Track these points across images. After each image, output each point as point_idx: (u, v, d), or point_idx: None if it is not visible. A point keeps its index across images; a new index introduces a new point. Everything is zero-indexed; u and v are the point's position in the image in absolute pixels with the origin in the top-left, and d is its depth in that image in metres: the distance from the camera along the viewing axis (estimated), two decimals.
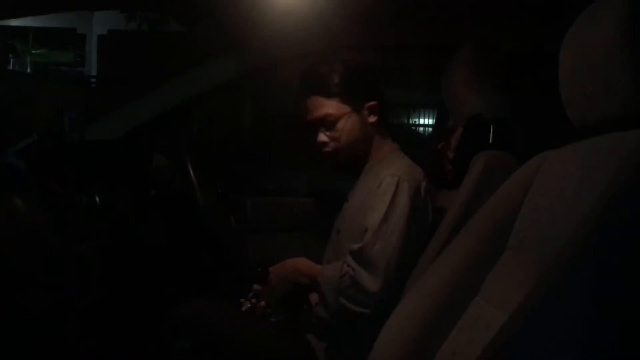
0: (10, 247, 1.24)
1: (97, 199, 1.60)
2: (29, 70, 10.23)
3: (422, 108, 6.64)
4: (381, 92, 1.63)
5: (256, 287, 1.67)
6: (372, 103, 1.59)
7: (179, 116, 2.02)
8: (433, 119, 5.85)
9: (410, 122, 6.88)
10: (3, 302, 1.21)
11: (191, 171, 1.60)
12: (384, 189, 1.49)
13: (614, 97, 0.80)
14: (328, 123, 1.58)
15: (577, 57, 0.87)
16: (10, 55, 10.22)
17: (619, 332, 0.61)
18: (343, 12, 1.80)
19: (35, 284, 1.26)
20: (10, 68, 10.04)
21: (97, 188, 1.62)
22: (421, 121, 7.04)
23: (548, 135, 1.18)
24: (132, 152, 1.93)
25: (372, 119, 1.59)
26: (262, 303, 1.62)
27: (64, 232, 1.42)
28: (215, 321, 1.58)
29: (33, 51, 10.53)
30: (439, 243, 1.34)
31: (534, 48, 1.85)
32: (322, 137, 1.60)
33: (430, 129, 5.98)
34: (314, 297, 1.58)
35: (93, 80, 9.34)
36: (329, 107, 1.57)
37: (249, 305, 1.62)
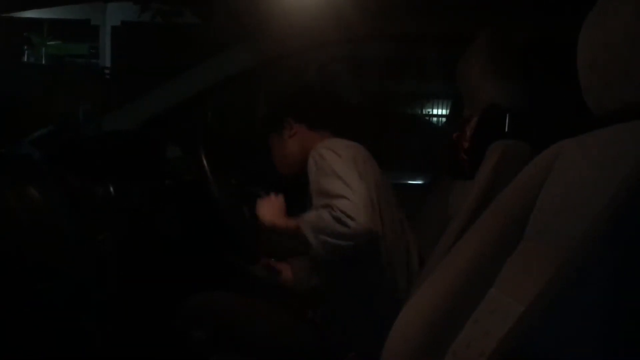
0: (26, 237, 1.25)
1: (112, 189, 1.61)
2: (43, 62, 10.30)
3: (436, 98, 6.62)
4: (306, 103, 1.72)
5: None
6: (286, 120, 1.70)
7: (194, 107, 2.02)
8: (447, 109, 5.83)
9: (424, 112, 6.85)
10: (20, 293, 1.22)
11: (205, 162, 1.60)
12: (309, 168, 1.57)
13: (634, 84, 0.79)
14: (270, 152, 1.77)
15: (596, 44, 0.85)
16: (25, 47, 10.30)
17: (638, 325, 0.60)
18: (358, 2, 1.79)
19: (51, 275, 1.27)
20: (25, 60, 10.13)
21: (112, 179, 1.62)
22: (435, 112, 7.02)
23: (565, 124, 1.16)
24: (146, 143, 1.93)
25: (288, 133, 1.70)
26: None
27: (80, 222, 1.42)
28: (229, 311, 1.59)
29: (48, 43, 10.59)
30: (455, 233, 1.34)
31: (550, 36, 1.83)
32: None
33: (444, 120, 5.95)
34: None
35: (107, 71, 9.38)
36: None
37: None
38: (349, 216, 1.43)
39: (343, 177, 1.48)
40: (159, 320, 1.65)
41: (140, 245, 1.67)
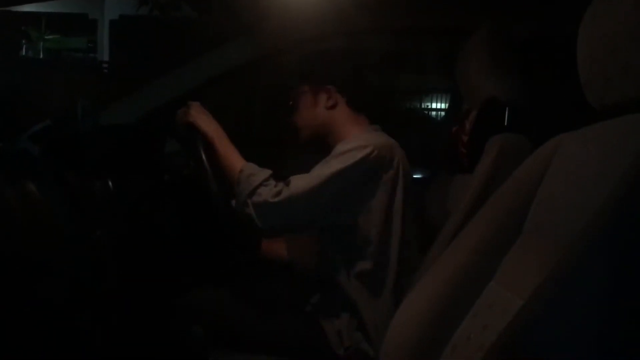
0: (23, 233, 1.25)
1: (110, 184, 1.60)
2: (41, 57, 10.27)
3: (435, 92, 6.60)
4: (352, 79, 1.65)
5: None
6: (327, 87, 1.61)
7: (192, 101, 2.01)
8: (446, 103, 5.82)
9: (423, 106, 6.84)
10: (16, 290, 1.22)
11: (204, 157, 1.60)
12: (338, 146, 1.54)
13: (634, 78, 0.79)
14: (292, 104, 1.66)
15: (596, 38, 0.85)
16: (23, 42, 10.27)
17: (638, 320, 0.60)
18: None
19: (49, 271, 1.27)
20: (23, 54, 10.10)
21: (111, 173, 1.62)
22: (434, 105, 7.00)
23: (564, 117, 1.16)
24: (145, 137, 1.92)
25: (329, 103, 1.61)
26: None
27: (78, 218, 1.42)
28: (227, 308, 1.59)
29: (46, 37, 10.56)
30: (454, 227, 1.34)
31: (550, 30, 1.83)
32: (291, 122, 1.69)
33: (443, 114, 5.94)
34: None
35: (105, 65, 9.35)
36: (294, 91, 1.66)
37: None
38: (281, 204, 1.46)
39: (326, 184, 1.47)
40: (158, 317, 1.65)
41: (139, 241, 1.66)
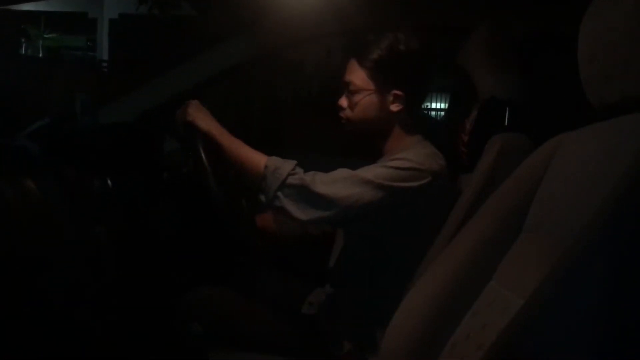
0: (22, 230, 1.24)
1: (109, 182, 1.60)
2: (41, 55, 10.28)
3: (434, 92, 6.61)
4: (421, 86, 1.58)
5: None
6: (398, 92, 1.52)
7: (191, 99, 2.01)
8: (446, 102, 5.82)
9: (423, 106, 6.85)
10: (15, 287, 1.22)
11: (203, 155, 1.59)
12: (392, 151, 1.51)
13: (635, 77, 0.79)
14: (350, 90, 1.55)
15: (596, 37, 0.85)
16: (23, 40, 10.27)
17: (638, 319, 0.60)
18: None
19: (48, 268, 1.27)
20: (23, 52, 10.10)
21: (110, 171, 1.62)
22: (434, 105, 7.01)
23: (565, 117, 1.16)
24: (144, 136, 1.92)
25: (395, 107, 1.53)
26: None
27: (76, 215, 1.42)
28: (226, 306, 1.59)
29: (45, 36, 10.57)
30: (454, 226, 1.33)
31: (550, 28, 1.83)
32: (342, 101, 1.57)
33: (443, 113, 5.95)
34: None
35: (104, 64, 9.36)
36: (357, 75, 1.53)
37: None
38: (315, 197, 1.42)
39: (367, 191, 1.43)
40: (156, 314, 1.65)
41: (138, 239, 1.66)
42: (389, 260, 1.50)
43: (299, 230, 1.84)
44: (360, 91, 1.53)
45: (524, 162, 1.04)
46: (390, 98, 1.52)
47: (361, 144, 1.62)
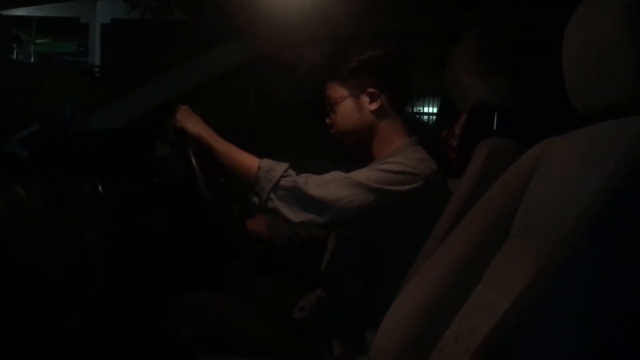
0: (12, 236, 1.24)
1: (100, 188, 1.60)
2: (32, 60, 10.25)
3: (426, 96, 6.63)
4: (396, 83, 1.57)
5: None
6: (371, 90, 1.52)
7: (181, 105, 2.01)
8: (437, 107, 5.84)
9: (415, 110, 6.86)
10: (6, 293, 1.21)
11: (194, 160, 1.59)
12: (383, 155, 1.51)
13: (619, 83, 0.79)
14: (330, 106, 1.57)
15: (581, 43, 0.86)
16: (14, 45, 10.24)
17: (621, 322, 0.60)
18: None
19: (38, 273, 1.27)
20: (14, 57, 10.07)
21: (100, 177, 1.61)
22: (425, 110, 7.03)
23: (552, 122, 1.17)
24: (135, 141, 1.92)
25: (373, 106, 1.53)
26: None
27: (67, 221, 1.42)
28: (218, 310, 1.59)
29: (37, 41, 10.54)
30: (442, 230, 1.34)
31: (538, 34, 1.84)
32: (328, 119, 1.59)
33: (434, 117, 5.96)
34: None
35: (96, 69, 9.33)
36: (331, 89, 1.56)
37: None
38: (305, 197, 1.42)
39: (359, 193, 1.42)
40: (148, 319, 1.64)
41: (129, 244, 1.66)
42: (380, 263, 1.50)
43: (290, 234, 1.85)
44: (337, 101, 1.55)
45: (511, 167, 1.05)
46: (367, 98, 1.54)
47: (354, 149, 1.62)
